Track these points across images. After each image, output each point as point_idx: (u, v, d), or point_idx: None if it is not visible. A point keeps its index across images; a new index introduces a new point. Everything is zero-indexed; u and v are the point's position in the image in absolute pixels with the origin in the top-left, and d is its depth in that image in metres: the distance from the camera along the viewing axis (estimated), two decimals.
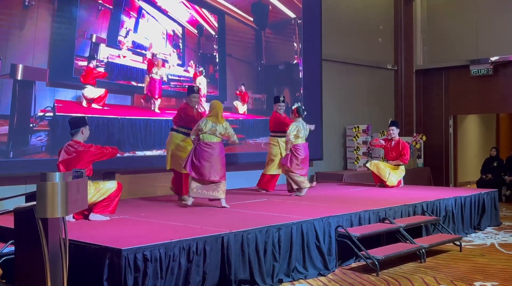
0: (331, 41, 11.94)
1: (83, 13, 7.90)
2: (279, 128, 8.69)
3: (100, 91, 8.04)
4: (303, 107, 8.53)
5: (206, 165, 6.88)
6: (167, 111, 8.85)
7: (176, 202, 7.50)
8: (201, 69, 9.40)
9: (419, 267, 6.07)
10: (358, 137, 11.86)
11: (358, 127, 11.92)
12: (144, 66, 8.65)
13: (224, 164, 7.08)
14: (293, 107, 8.50)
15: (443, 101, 13.61)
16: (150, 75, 8.69)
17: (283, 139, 8.44)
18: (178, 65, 9.16)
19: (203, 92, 9.27)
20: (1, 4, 7.15)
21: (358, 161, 11.78)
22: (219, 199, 7.01)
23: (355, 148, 11.85)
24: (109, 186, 6.07)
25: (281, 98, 8.87)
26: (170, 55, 9.04)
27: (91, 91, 7.95)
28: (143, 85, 8.63)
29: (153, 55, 8.76)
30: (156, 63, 8.75)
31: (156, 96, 8.76)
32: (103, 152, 6.08)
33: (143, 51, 8.66)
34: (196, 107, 7.83)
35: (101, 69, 8.08)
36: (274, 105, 8.95)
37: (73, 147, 5.93)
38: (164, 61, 8.95)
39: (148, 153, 8.46)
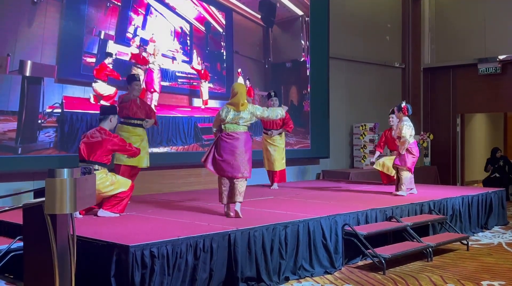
0: (339, 39, 11.92)
1: (91, 9, 7.92)
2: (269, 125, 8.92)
3: (111, 90, 8.04)
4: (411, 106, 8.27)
5: (228, 159, 5.96)
6: (176, 108, 8.89)
7: (183, 199, 7.50)
8: (201, 65, 9.37)
9: (426, 266, 6.06)
10: (365, 135, 11.84)
11: (365, 125, 11.91)
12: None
13: (250, 159, 6.06)
14: (402, 105, 7.99)
15: (451, 100, 13.57)
16: (147, 67, 8.57)
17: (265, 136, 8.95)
18: (185, 62, 9.16)
19: (204, 97, 9.30)
20: (10, 1, 7.18)
21: (365, 159, 11.76)
22: (234, 202, 6.01)
23: (362, 146, 11.83)
24: (123, 183, 6.08)
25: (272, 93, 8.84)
26: (177, 51, 9.05)
27: (101, 87, 7.96)
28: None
29: (140, 45, 8.53)
30: (152, 52, 8.60)
31: (152, 89, 8.59)
32: (125, 146, 6.14)
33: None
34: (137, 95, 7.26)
35: (110, 66, 8.10)
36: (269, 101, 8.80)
37: (98, 133, 6.00)
38: (173, 59, 8.96)
39: (155, 150, 8.46)
